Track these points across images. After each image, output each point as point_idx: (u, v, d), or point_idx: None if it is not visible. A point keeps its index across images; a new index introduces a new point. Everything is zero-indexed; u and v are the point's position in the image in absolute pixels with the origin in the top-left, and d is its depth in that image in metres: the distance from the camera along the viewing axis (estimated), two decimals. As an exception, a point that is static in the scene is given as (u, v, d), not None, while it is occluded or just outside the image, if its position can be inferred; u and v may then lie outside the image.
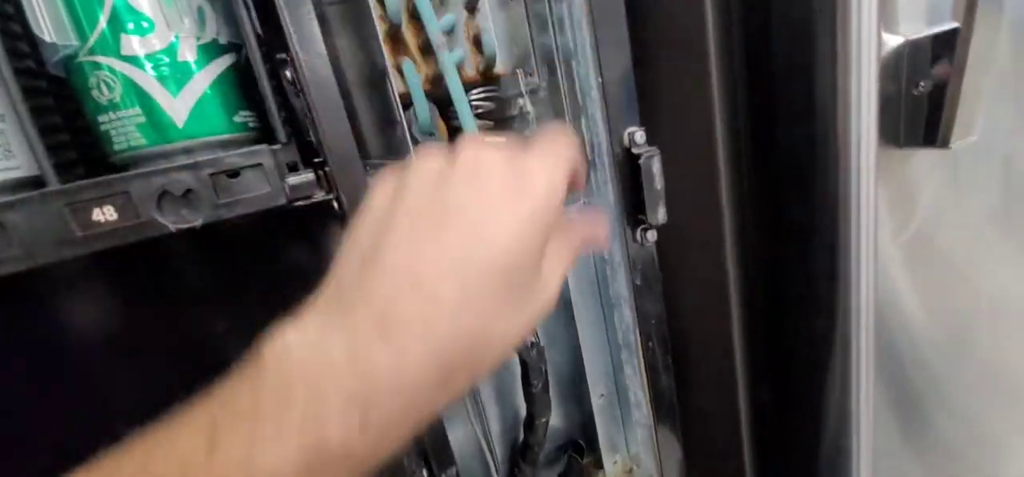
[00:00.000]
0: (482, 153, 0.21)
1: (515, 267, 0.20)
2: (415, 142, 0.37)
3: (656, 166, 0.36)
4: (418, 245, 0.20)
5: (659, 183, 0.36)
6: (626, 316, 0.44)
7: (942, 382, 0.44)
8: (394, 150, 0.38)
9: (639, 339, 0.43)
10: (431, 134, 0.38)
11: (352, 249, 0.21)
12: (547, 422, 0.46)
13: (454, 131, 0.39)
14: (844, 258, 0.35)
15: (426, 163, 0.22)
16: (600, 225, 0.27)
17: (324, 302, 0.21)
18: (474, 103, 0.40)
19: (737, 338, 0.42)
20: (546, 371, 0.44)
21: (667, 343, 0.44)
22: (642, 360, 0.44)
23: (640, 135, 0.37)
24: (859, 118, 0.31)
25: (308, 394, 0.18)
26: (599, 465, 0.55)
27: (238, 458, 0.17)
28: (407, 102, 0.37)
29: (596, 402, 0.50)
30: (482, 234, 0.20)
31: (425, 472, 0.49)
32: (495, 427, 0.49)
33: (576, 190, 0.25)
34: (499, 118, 0.43)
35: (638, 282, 0.40)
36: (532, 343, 0.43)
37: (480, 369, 0.21)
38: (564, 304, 0.48)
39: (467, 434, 0.48)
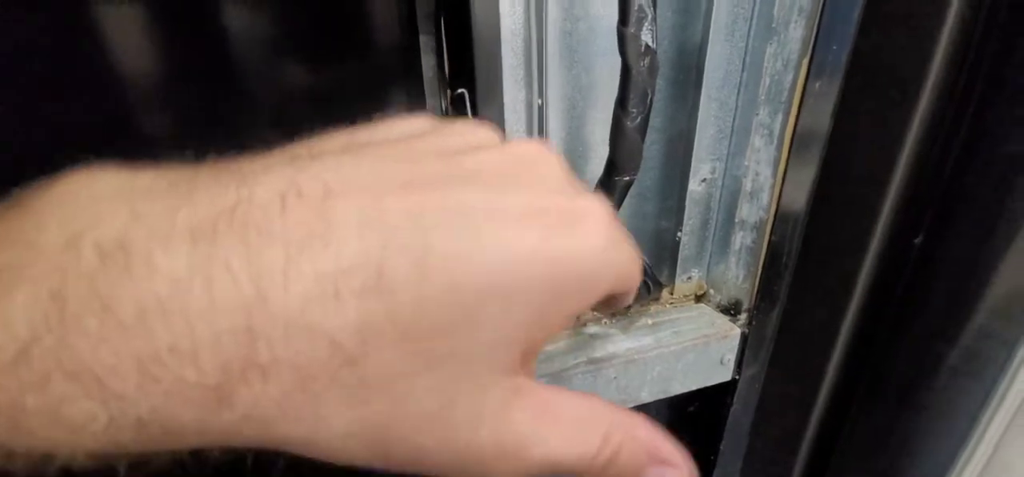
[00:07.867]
0: (548, 155, 0.16)
1: (483, 300, 0.13)
2: None
3: None
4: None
5: None
6: (792, 38, 0.30)
7: None
8: None
9: (804, 75, 0.30)
10: None
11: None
12: (630, 183, 0.33)
13: None
14: None
15: (475, 130, 0.16)
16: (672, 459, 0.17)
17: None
18: None
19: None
20: (652, 100, 0.31)
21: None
22: (795, 111, 0.31)
23: None
24: None
25: None
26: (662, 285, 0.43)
27: None
28: None
29: (694, 189, 0.38)
30: (485, 231, 0.13)
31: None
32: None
33: (615, 306, 0.19)
34: None
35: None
36: (646, 47, 0.30)
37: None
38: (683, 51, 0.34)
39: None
